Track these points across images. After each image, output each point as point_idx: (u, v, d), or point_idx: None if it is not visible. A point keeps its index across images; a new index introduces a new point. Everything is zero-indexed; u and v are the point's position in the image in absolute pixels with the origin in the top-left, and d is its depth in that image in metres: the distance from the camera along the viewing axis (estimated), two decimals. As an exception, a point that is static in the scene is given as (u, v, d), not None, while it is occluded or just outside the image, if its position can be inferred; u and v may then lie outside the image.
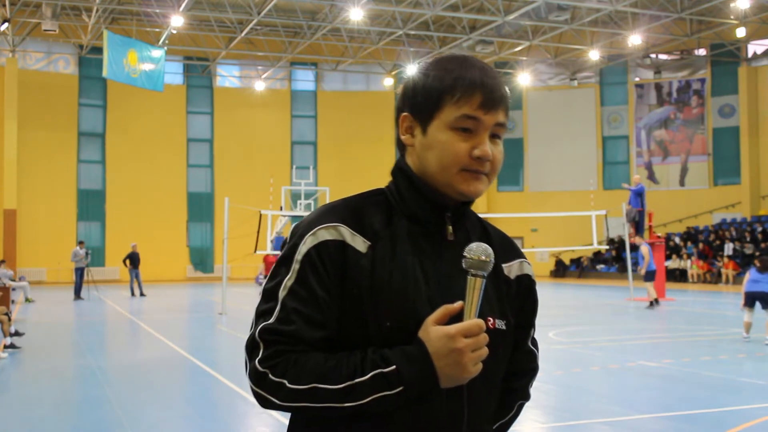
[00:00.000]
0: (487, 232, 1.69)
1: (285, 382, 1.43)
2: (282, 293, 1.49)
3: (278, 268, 1.53)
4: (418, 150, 1.58)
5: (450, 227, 1.61)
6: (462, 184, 1.56)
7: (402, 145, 1.64)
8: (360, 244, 1.51)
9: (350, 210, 1.56)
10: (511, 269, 1.69)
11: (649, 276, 18.50)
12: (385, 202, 1.60)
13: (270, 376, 1.44)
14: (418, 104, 1.58)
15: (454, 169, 1.54)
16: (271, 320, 1.47)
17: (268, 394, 1.44)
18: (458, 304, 1.48)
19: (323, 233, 1.50)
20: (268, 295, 1.51)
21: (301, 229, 1.54)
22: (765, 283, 12.01)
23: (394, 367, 1.42)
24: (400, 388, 1.42)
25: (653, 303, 18.36)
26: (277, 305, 1.48)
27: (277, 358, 1.44)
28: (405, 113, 1.60)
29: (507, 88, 1.60)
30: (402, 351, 1.45)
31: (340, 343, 1.48)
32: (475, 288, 1.49)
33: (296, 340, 1.45)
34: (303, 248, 1.50)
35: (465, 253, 1.51)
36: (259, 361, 1.45)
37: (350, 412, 1.42)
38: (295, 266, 1.50)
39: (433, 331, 1.45)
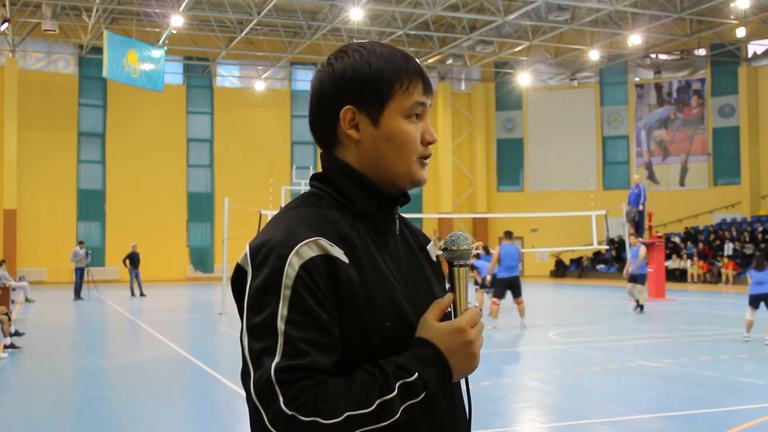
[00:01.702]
0: (404, 220, 1.69)
1: (318, 419, 1.31)
2: (281, 325, 1.35)
3: (262, 299, 1.38)
4: (368, 143, 1.52)
5: (397, 220, 1.60)
6: (419, 172, 1.56)
7: (332, 142, 1.56)
8: (340, 254, 1.42)
9: (316, 220, 1.47)
10: (431, 250, 1.70)
11: (642, 278, 17.87)
12: (334, 205, 1.52)
13: (299, 417, 1.31)
14: (364, 95, 1.51)
15: (413, 158, 1.54)
16: (279, 357, 1.33)
17: None
18: (449, 296, 1.50)
19: (306, 250, 1.39)
20: (261, 330, 1.37)
21: (276, 250, 1.40)
22: (764, 283, 12.11)
23: (416, 374, 1.39)
24: (424, 393, 1.39)
25: (638, 306, 17.50)
26: (278, 339, 1.35)
27: (303, 397, 1.32)
28: (348, 106, 1.52)
29: None
30: (414, 355, 1.41)
31: (343, 359, 1.41)
32: (461, 278, 1.51)
33: (315, 371, 1.34)
34: (290, 271, 1.37)
35: (447, 246, 1.52)
36: (285, 404, 1.31)
37: (381, 428, 1.37)
38: (286, 292, 1.37)
39: (440, 328, 1.44)
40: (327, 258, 1.41)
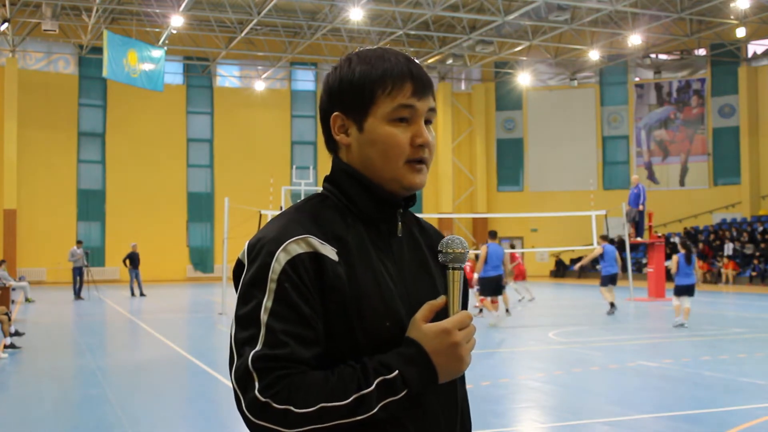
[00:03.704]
0: (420, 224, 1.71)
1: (291, 408, 1.36)
2: (264, 316, 1.41)
3: (250, 291, 1.45)
4: (356, 148, 1.57)
5: (400, 224, 1.62)
6: (408, 177, 1.55)
7: (334, 147, 1.62)
8: (330, 252, 1.47)
9: (310, 219, 1.52)
10: None
11: (605, 280, 17.31)
12: (335, 206, 1.57)
13: (273, 404, 1.36)
14: (348, 102, 1.56)
15: (399, 162, 1.54)
16: (260, 347, 1.39)
17: (274, 425, 1.37)
18: (442, 298, 1.51)
19: (294, 247, 1.45)
20: (246, 321, 1.43)
21: (267, 246, 1.47)
22: (693, 275, 14.26)
23: (397, 372, 1.41)
24: (405, 392, 1.42)
25: (613, 306, 17.02)
26: (260, 330, 1.41)
27: (277, 385, 1.37)
28: (336, 113, 1.57)
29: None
30: (399, 354, 1.44)
31: (329, 356, 1.45)
32: (455, 281, 1.52)
33: (292, 362, 1.39)
34: (276, 266, 1.44)
35: (441, 249, 1.54)
36: (259, 391, 1.37)
37: (359, 424, 1.40)
38: (272, 285, 1.43)
39: (427, 329, 1.46)
40: (315, 255, 1.46)
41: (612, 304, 17.04)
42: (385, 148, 1.54)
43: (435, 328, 1.46)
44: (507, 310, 17.00)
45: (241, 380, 1.40)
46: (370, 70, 1.55)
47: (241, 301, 1.46)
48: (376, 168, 1.55)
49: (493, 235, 15.37)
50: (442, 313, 1.50)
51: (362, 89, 1.54)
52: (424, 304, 1.50)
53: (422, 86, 1.56)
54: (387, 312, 1.49)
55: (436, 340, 1.45)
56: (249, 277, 1.47)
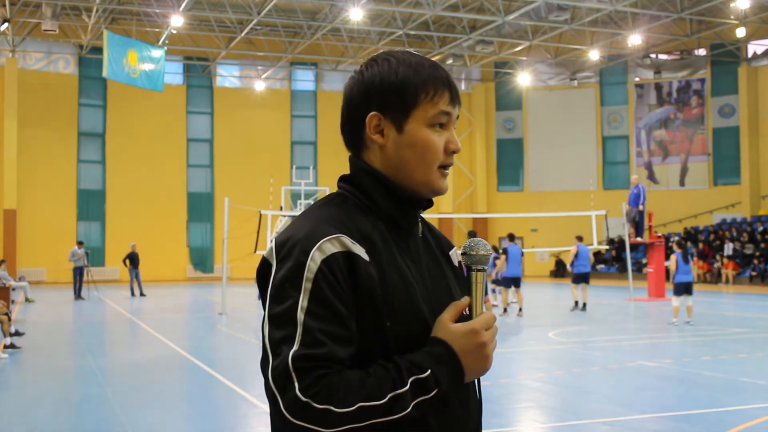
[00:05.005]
0: (428, 226, 1.74)
1: (331, 408, 1.36)
2: (301, 315, 1.41)
3: (284, 290, 1.44)
4: (391, 149, 1.57)
5: (420, 224, 1.65)
6: (438, 181, 1.59)
7: (358, 145, 1.61)
8: (361, 251, 1.48)
9: (339, 219, 1.52)
10: (454, 256, 1.74)
11: (577, 278, 18.07)
12: (358, 206, 1.57)
13: (313, 404, 1.36)
14: (390, 102, 1.56)
15: (434, 166, 1.57)
16: (297, 346, 1.39)
17: (313, 424, 1.37)
18: (466, 299, 1.54)
19: (329, 246, 1.45)
20: (282, 320, 1.43)
21: (300, 245, 1.46)
22: (690, 273, 14.54)
23: (429, 371, 1.43)
24: (436, 391, 1.44)
25: (577, 305, 17.97)
26: (297, 329, 1.40)
27: (317, 385, 1.37)
28: (373, 112, 1.57)
29: None
30: (428, 354, 1.46)
31: (361, 354, 1.46)
32: (479, 282, 1.55)
33: (331, 361, 1.40)
34: (312, 265, 1.43)
35: (466, 251, 1.57)
36: (300, 391, 1.36)
37: (390, 423, 1.41)
38: (307, 285, 1.43)
39: (455, 329, 1.49)
40: (348, 255, 1.46)
41: (578, 303, 18.00)
42: (423, 152, 1.56)
43: (463, 328, 1.49)
44: (520, 309, 17.32)
45: (280, 380, 1.39)
46: (414, 73, 1.56)
47: (275, 300, 1.45)
48: (411, 170, 1.57)
49: (472, 234, 15.84)
50: (463, 314, 1.53)
51: (405, 91, 1.55)
52: (450, 305, 1.53)
53: (456, 94, 1.60)
54: (414, 312, 1.51)
55: (463, 340, 1.48)
56: (282, 276, 1.46)
